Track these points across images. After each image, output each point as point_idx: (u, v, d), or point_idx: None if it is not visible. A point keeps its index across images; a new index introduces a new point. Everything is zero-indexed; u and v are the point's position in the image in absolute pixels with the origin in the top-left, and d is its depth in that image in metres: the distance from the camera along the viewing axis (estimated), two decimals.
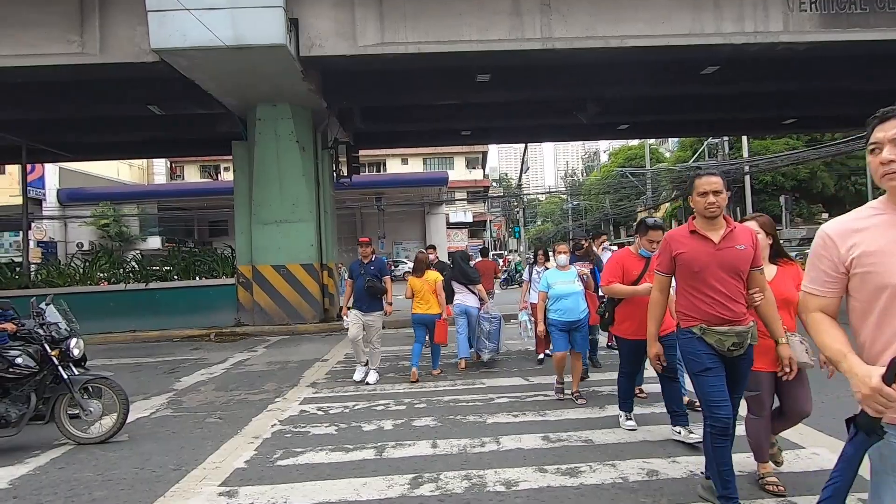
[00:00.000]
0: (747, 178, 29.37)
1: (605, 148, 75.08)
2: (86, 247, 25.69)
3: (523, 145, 26.30)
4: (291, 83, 9.72)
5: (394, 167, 45.31)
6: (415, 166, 44.44)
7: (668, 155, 54.68)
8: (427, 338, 6.38)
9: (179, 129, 13.26)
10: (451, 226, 41.08)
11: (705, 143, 31.09)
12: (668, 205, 44.02)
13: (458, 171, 44.61)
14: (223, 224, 37.08)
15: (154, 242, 30.50)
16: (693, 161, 31.49)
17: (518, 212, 29.37)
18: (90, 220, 28.66)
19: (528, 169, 26.14)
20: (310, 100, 10.64)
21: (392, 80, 10.75)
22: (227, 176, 42.02)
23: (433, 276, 6.29)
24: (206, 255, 13.10)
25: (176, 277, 12.15)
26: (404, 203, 33.15)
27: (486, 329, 6.36)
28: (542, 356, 6.70)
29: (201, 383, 6.67)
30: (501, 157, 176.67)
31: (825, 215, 32.45)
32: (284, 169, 10.97)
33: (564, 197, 79.01)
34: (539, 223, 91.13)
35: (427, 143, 15.51)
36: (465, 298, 6.62)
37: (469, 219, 40.98)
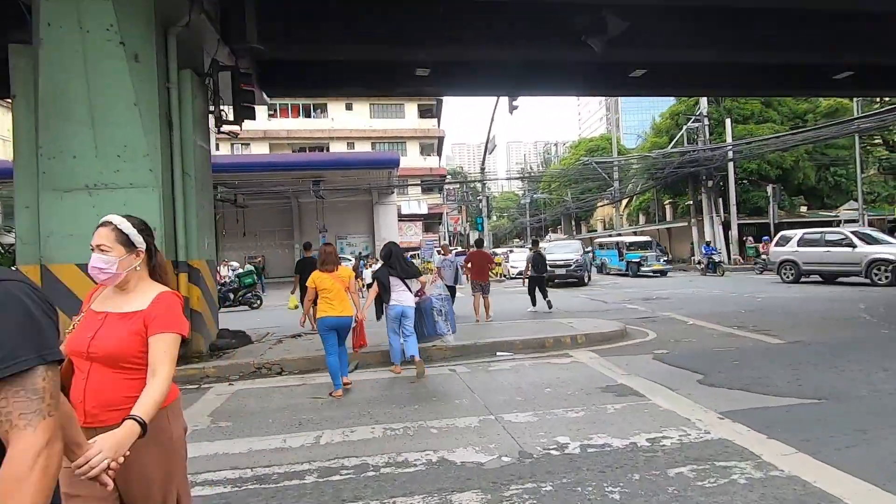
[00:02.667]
0: (730, 165, 26.64)
1: (563, 140, 72.70)
2: None
3: (489, 118, 22.22)
4: None
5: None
6: (361, 146, 39.47)
7: (631, 146, 52.40)
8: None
9: None
10: (404, 218, 36.51)
11: (684, 127, 28.15)
12: (634, 198, 41.50)
13: (412, 158, 40.11)
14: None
15: None
16: (671, 147, 28.50)
17: (480, 201, 25.22)
18: None
19: (494, 148, 22.10)
20: None
21: None
22: None
23: (346, 272, 5.48)
24: None
25: None
26: (349, 188, 28.24)
27: (441, 309, 6.19)
28: None
29: None
30: (456, 152, 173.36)
31: (804, 208, 30.43)
32: (99, 93, 6.20)
33: (520, 192, 76.15)
34: (494, 219, 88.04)
35: (367, 87, 10.91)
36: (402, 297, 5.94)
37: (423, 210, 36.52)
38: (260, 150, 39.43)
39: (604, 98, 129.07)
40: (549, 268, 12.76)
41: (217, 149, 37.61)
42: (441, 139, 42.80)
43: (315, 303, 5.39)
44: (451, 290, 10.05)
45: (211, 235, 7.68)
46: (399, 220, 35.71)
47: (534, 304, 11.20)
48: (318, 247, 22.99)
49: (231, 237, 30.91)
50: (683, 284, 17.54)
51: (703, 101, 27.36)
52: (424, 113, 42.69)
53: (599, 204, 49.44)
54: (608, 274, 24.75)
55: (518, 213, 74.94)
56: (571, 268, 18.37)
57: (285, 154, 35.28)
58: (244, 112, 8.10)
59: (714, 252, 22.51)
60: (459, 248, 19.42)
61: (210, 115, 7.90)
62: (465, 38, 8.85)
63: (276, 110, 40.47)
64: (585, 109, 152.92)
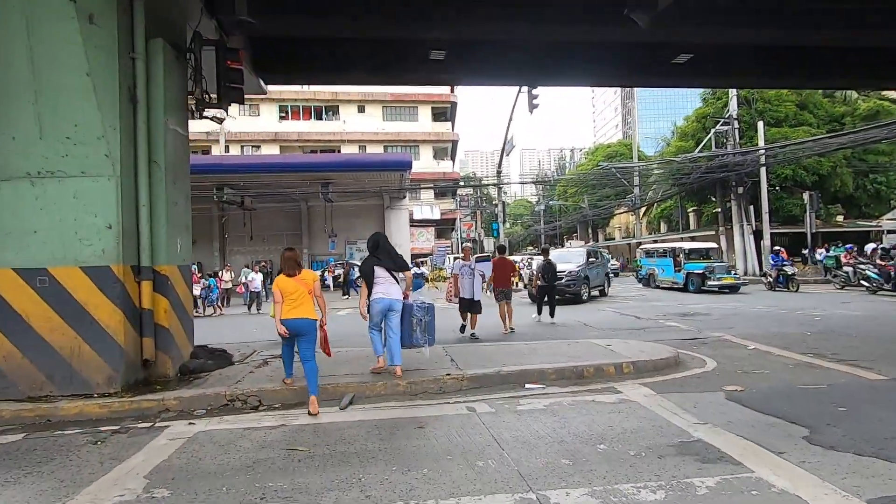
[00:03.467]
0: (763, 170, 25.01)
1: (579, 146, 70.94)
2: None
3: (506, 121, 20.98)
4: None
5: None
6: (373, 149, 38.43)
7: (651, 152, 50.75)
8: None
9: None
10: (416, 223, 35.33)
11: (712, 131, 26.62)
12: (655, 205, 39.86)
13: (425, 162, 39.01)
14: None
15: None
16: (698, 151, 26.96)
17: (495, 206, 23.94)
18: None
19: (512, 149, 20.79)
20: None
21: None
22: None
23: (310, 275, 5.22)
24: None
25: None
26: (359, 191, 27.10)
27: (422, 318, 5.77)
28: None
29: None
30: (469, 158, 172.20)
31: (840, 217, 28.63)
32: (44, 60, 5.10)
33: (534, 199, 74.56)
34: (508, 226, 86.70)
35: (376, 72, 9.72)
36: (389, 290, 5.61)
37: (436, 216, 35.30)
38: (270, 152, 38.65)
39: (620, 106, 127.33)
40: (542, 280, 11.22)
41: (227, 150, 36.96)
42: (455, 143, 41.69)
43: None
44: (472, 303, 8.77)
45: (186, 236, 6.52)
46: (411, 226, 34.55)
47: (539, 312, 10.94)
48: (323, 251, 21.79)
49: (237, 241, 30.01)
50: (720, 299, 16.03)
51: (733, 102, 25.84)
52: (438, 116, 41.66)
53: (617, 211, 47.88)
54: (659, 287, 20.25)
55: (532, 220, 73.40)
56: (563, 281, 13.95)
57: (293, 155, 34.35)
58: (230, 94, 6.94)
59: (786, 263, 18.46)
60: (482, 254, 16.68)
61: (190, 97, 6.77)
62: (486, 12, 7.64)
63: (287, 113, 39.75)
64: (600, 117, 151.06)
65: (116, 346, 5.26)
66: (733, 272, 18.29)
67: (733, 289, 17.79)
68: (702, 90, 30.33)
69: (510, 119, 19.97)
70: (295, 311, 4.97)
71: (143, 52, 5.67)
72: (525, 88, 17.89)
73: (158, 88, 5.87)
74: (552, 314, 10.84)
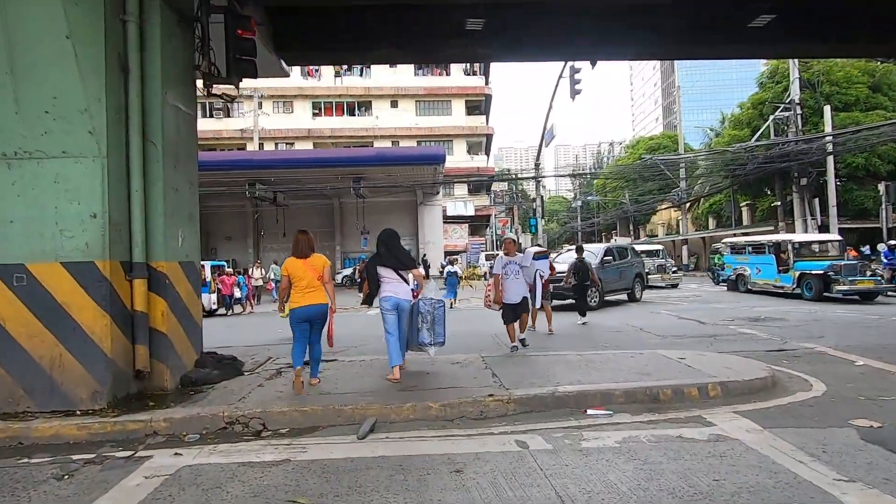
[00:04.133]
0: (830, 159, 22.77)
1: (619, 140, 68.12)
2: None
3: (548, 103, 19.63)
4: None
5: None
6: (406, 145, 37.66)
7: (697, 144, 48.01)
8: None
9: None
10: (449, 220, 34.39)
11: (771, 117, 24.50)
12: (702, 200, 37.52)
13: (458, 157, 38.01)
14: None
15: None
16: (755, 140, 24.88)
17: (533, 201, 22.69)
18: None
19: (553, 139, 19.43)
20: None
21: None
22: None
23: (320, 260, 5.04)
24: None
25: None
26: (392, 184, 26.32)
27: (428, 315, 5.21)
28: None
29: None
30: (503, 154, 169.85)
31: None
32: (17, 22, 4.37)
33: (570, 195, 72.35)
34: (544, 222, 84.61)
35: (406, 48, 8.77)
36: (396, 289, 5.29)
37: (470, 212, 34.23)
38: (304, 148, 38.53)
39: (661, 97, 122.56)
40: (574, 279, 10.24)
41: (261, 147, 37.01)
42: (489, 137, 40.49)
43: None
44: (518, 305, 7.08)
45: (191, 228, 5.74)
46: (444, 222, 33.66)
47: (581, 314, 10.15)
48: (355, 248, 20.96)
49: (271, 238, 29.86)
50: (787, 301, 14.32)
51: (795, 86, 23.69)
52: (472, 110, 40.57)
53: (660, 206, 45.54)
54: (751, 291, 16.10)
55: (568, 217, 71.18)
56: (562, 284, 10.97)
57: (324, 150, 33.95)
58: (241, 66, 6.10)
59: None
60: (539, 247, 13.92)
61: (197, 71, 6.00)
62: None
63: (320, 109, 39.55)
64: (639, 110, 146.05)
65: (102, 355, 4.50)
66: (868, 272, 13.53)
67: (870, 295, 13.29)
68: (758, 74, 28.11)
69: (550, 106, 18.70)
70: (307, 297, 4.86)
71: (136, 13, 4.89)
72: (567, 72, 16.61)
73: (155, 57, 5.09)
74: (583, 313, 10.19)
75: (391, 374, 5.19)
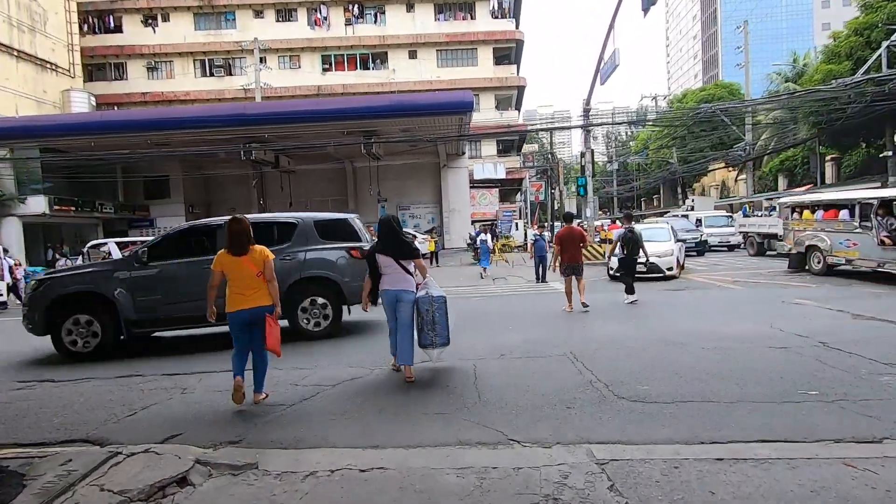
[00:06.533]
0: None
1: (662, 94, 61.66)
2: None
3: (609, 23, 15.15)
4: None
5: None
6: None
7: (757, 93, 42.15)
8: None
9: None
10: (477, 184, 30.42)
11: (885, 44, 19.41)
12: (766, 157, 32.45)
13: (486, 113, 33.66)
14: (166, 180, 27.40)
15: (37, 205, 20.80)
16: (862, 74, 19.87)
17: (584, 153, 18.53)
18: None
19: (614, 70, 14.88)
20: None
21: None
22: (210, 85, 30.24)
23: (261, 253, 4.25)
24: None
25: None
26: (410, 140, 22.44)
27: (427, 314, 4.84)
28: None
29: None
30: (536, 112, 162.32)
31: None
32: None
33: (605, 159, 66.89)
34: (573, 189, 79.60)
35: None
36: (395, 280, 4.88)
37: (501, 175, 30.14)
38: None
39: (700, 51, 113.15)
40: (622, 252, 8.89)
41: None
42: (521, 89, 35.86)
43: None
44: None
45: None
46: (471, 187, 29.78)
47: (628, 292, 8.84)
48: (372, 218, 16.91)
49: (277, 207, 26.59)
50: (843, 291, 10.08)
51: None
52: (501, 59, 35.89)
53: (713, 166, 40.45)
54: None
55: (603, 182, 65.87)
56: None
57: (328, 100, 29.88)
58: None
59: None
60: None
61: None
62: None
63: (330, 64, 35.49)
64: (675, 66, 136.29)
65: None
66: None
67: None
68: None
69: (610, 27, 14.30)
70: (246, 300, 4.21)
71: None
72: None
73: None
74: (630, 290, 8.92)
75: (407, 374, 4.78)
